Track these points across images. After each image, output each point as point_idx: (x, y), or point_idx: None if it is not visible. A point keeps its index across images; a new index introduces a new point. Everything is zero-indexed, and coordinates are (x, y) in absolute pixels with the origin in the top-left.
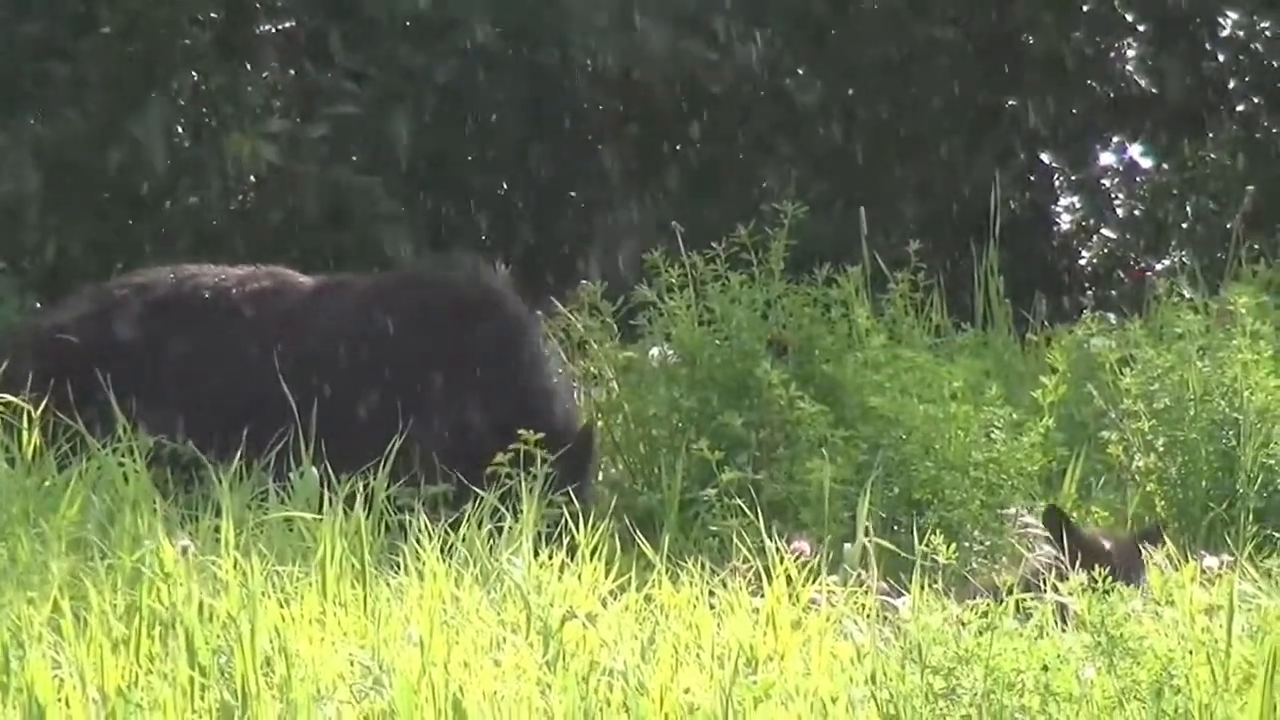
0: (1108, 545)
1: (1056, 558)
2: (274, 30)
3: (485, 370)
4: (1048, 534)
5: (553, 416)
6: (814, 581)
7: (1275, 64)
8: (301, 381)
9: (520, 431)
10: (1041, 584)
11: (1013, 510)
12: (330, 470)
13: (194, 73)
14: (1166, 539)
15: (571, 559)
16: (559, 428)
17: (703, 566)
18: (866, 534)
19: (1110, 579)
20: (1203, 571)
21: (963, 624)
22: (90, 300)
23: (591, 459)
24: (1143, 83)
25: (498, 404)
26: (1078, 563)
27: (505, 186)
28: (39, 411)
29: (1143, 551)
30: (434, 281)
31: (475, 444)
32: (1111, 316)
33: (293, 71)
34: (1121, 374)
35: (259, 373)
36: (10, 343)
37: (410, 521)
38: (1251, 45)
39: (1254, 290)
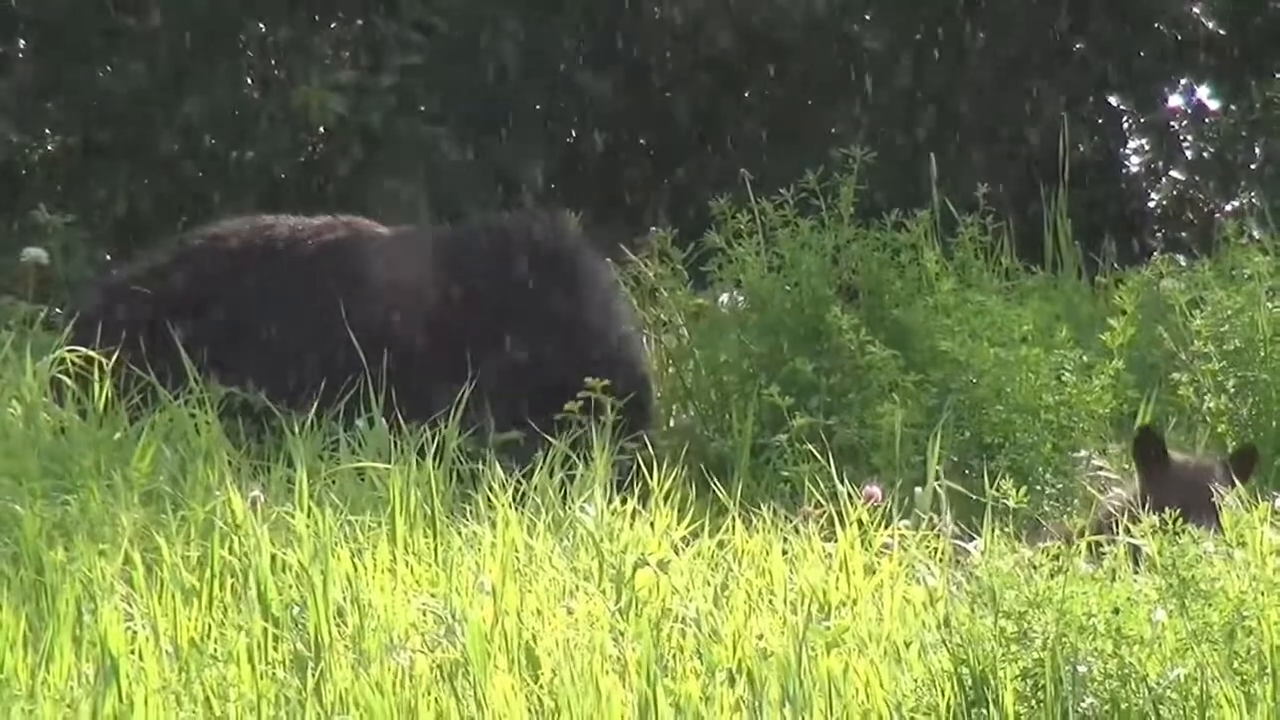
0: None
1: (1129, 500)
2: None
3: (558, 320)
4: (1137, 456)
5: (621, 364)
6: (886, 526)
7: None
8: (377, 332)
9: (590, 381)
10: (1114, 526)
11: (1084, 453)
12: (402, 420)
13: (261, 25)
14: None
15: (644, 506)
16: (627, 376)
17: (775, 512)
18: (938, 478)
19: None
20: (1274, 512)
21: (1034, 568)
22: (167, 252)
23: (650, 405)
24: (1210, 24)
25: (569, 352)
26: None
27: (574, 135)
28: (112, 363)
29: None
30: (509, 233)
31: (547, 392)
32: (1181, 258)
33: (360, 23)
34: (1191, 315)
35: (334, 323)
36: (89, 294)
37: (482, 470)
38: None
39: None
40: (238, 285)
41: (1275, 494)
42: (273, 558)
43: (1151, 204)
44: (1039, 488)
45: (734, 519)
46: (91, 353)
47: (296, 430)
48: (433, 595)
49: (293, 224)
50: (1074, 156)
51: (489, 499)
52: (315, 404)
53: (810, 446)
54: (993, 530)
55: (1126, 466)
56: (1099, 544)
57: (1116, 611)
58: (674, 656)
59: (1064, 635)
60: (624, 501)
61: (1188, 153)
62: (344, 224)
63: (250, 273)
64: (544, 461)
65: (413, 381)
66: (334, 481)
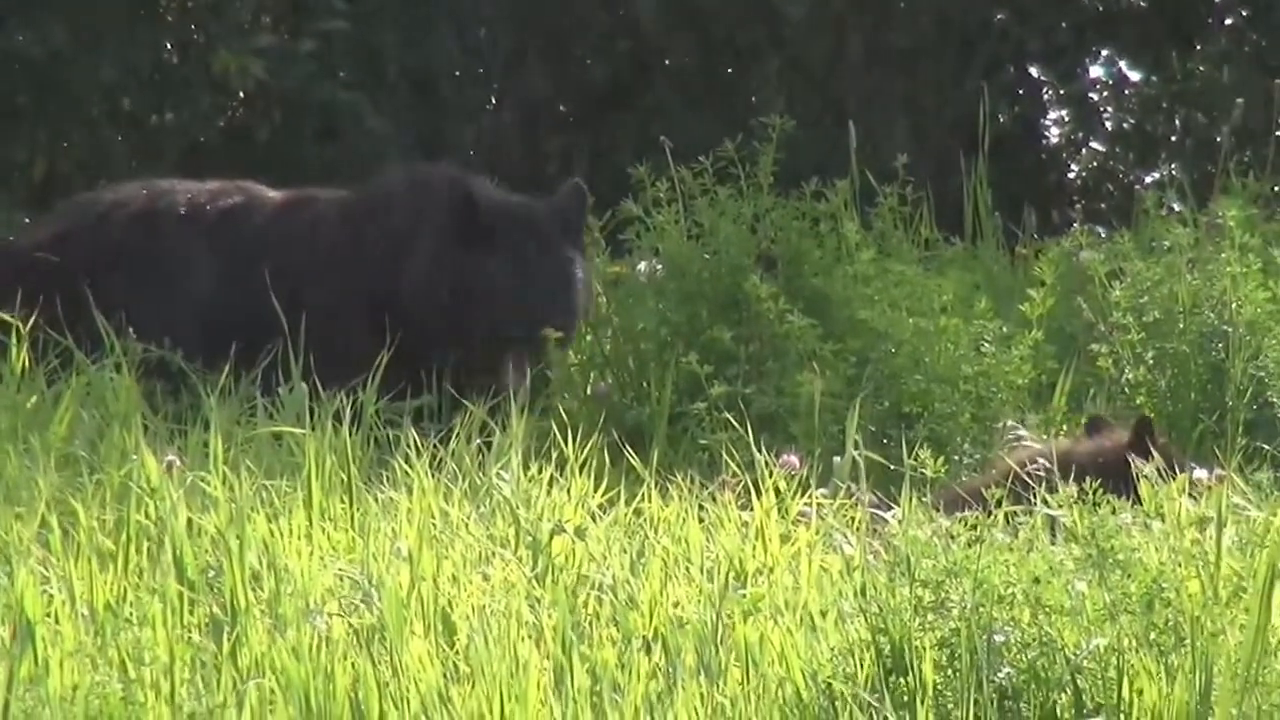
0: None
1: (1048, 469)
2: None
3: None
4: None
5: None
6: (803, 495)
7: None
8: (280, 295)
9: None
10: (1032, 496)
11: (1003, 423)
12: (320, 385)
13: None
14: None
15: (560, 473)
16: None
17: (692, 480)
18: (856, 447)
19: None
20: (1192, 484)
21: (952, 537)
22: (65, 217)
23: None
24: None
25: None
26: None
27: (494, 102)
28: (28, 328)
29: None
30: (399, 191)
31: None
32: (1100, 230)
33: None
34: (1110, 287)
35: (233, 288)
36: None
37: (399, 436)
38: None
39: (1242, 203)
40: (137, 250)
41: (1194, 465)
42: (189, 522)
43: (1071, 175)
44: (957, 457)
45: (650, 486)
46: (6, 317)
47: (214, 395)
48: (349, 561)
49: (188, 188)
50: (994, 127)
51: (405, 465)
52: (226, 369)
53: (728, 415)
54: (910, 499)
55: (1045, 436)
56: (1014, 512)
57: (1036, 581)
58: (590, 623)
59: (981, 605)
60: (539, 470)
61: (1108, 124)
62: (237, 187)
63: (149, 237)
64: (460, 426)
65: (314, 345)
66: (250, 445)
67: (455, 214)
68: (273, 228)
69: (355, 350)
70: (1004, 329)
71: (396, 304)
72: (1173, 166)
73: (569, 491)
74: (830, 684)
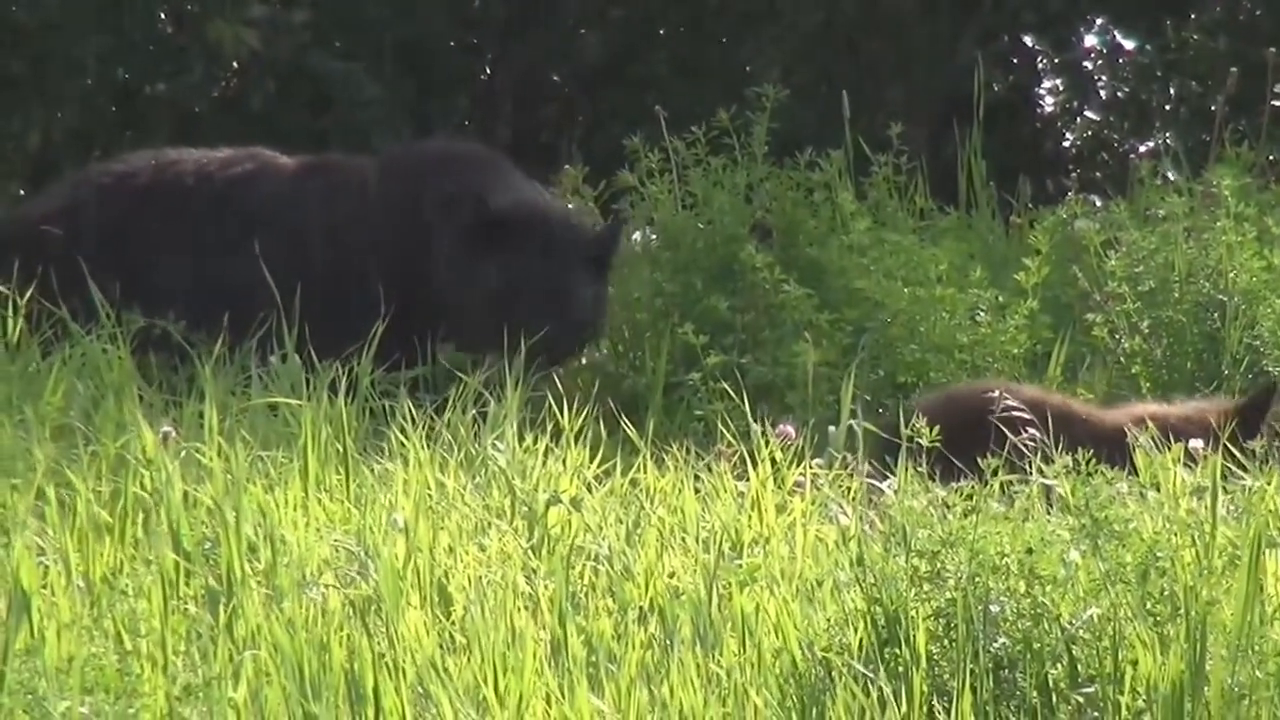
0: None
1: (1043, 440)
2: None
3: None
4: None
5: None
6: (799, 465)
7: None
8: (287, 263)
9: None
10: (1027, 466)
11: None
12: (315, 355)
13: None
14: None
15: (556, 443)
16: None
17: (687, 450)
18: (852, 417)
19: None
20: (1188, 453)
21: (947, 507)
22: (73, 188)
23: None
24: None
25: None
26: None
27: (488, 72)
28: (25, 300)
29: None
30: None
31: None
32: (1095, 199)
33: None
34: (1106, 256)
35: (244, 256)
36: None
37: (395, 406)
38: None
39: (1237, 172)
40: (149, 220)
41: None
42: (185, 494)
43: (1066, 144)
44: None
45: (645, 457)
46: (3, 289)
47: (208, 365)
48: (345, 532)
49: (198, 157)
50: (989, 96)
51: (401, 436)
52: (227, 339)
53: (724, 385)
54: (906, 469)
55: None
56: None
57: (1030, 552)
58: (586, 594)
59: (977, 575)
60: (534, 441)
61: (1102, 93)
62: (248, 155)
63: (158, 207)
64: (456, 397)
65: (325, 314)
66: (246, 416)
67: (471, 216)
68: (282, 196)
69: (368, 323)
70: (999, 298)
71: (425, 286)
72: (1167, 135)
73: (564, 462)
74: (826, 654)
